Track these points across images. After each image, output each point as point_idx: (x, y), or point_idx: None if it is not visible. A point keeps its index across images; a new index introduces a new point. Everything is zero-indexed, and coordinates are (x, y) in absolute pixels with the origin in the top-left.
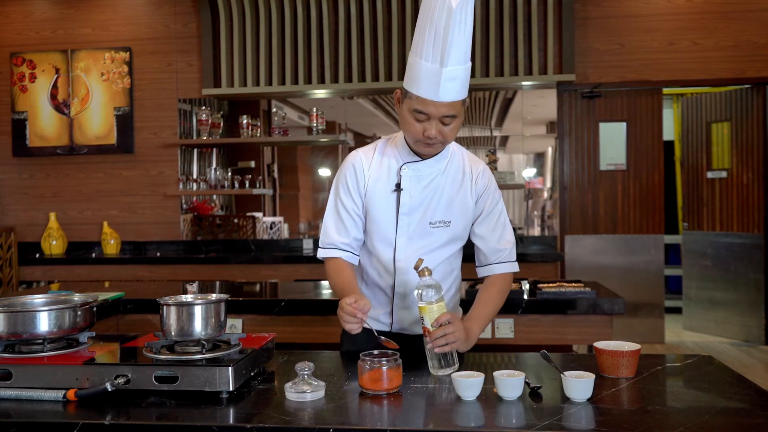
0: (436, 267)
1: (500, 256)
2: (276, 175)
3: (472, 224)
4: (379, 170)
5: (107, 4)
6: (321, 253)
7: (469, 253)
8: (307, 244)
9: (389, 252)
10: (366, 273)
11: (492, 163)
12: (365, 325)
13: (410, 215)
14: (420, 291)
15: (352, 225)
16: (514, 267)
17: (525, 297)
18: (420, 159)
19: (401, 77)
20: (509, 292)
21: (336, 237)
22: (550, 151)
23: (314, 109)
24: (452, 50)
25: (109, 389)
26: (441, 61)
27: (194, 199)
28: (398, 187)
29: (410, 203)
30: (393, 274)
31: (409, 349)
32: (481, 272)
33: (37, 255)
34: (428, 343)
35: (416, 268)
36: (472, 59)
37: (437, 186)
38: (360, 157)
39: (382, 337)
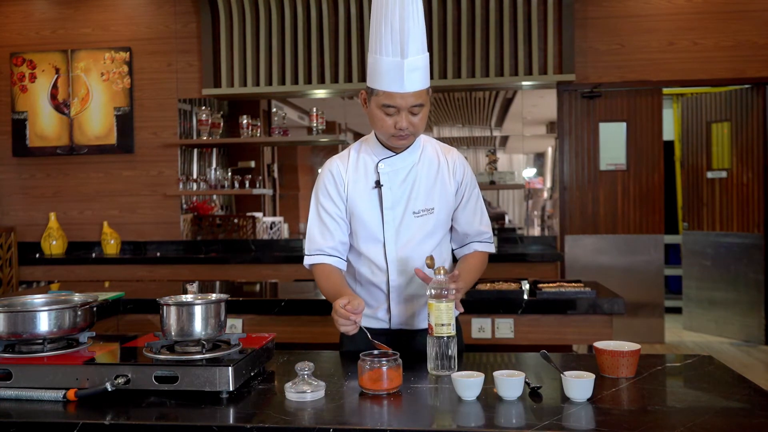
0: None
1: (481, 238)
2: (276, 175)
3: (454, 211)
4: (357, 172)
5: (107, 4)
6: (308, 261)
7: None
8: None
9: (379, 248)
10: (359, 273)
11: (492, 163)
12: (361, 325)
13: (394, 209)
14: (432, 289)
15: (336, 228)
16: (492, 248)
17: (525, 297)
18: (394, 154)
19: None
20: (508, 292)
21: (321, 242)
22: (550, 151)
23: (314, 109)
24: (410, 41)
25: (109, 389)
26: (401, 53)
27: (194, 199)
28: (378, 184)
29: (392, 197)
30: (385, 269)
31: (409, 345)
32: (461, 252)
33: (37, 255)
34: (431, 341)
35: (430, 266)
36: (473, 59)
37: (415, 176)
38: (336, 163)
39: (376, 341)
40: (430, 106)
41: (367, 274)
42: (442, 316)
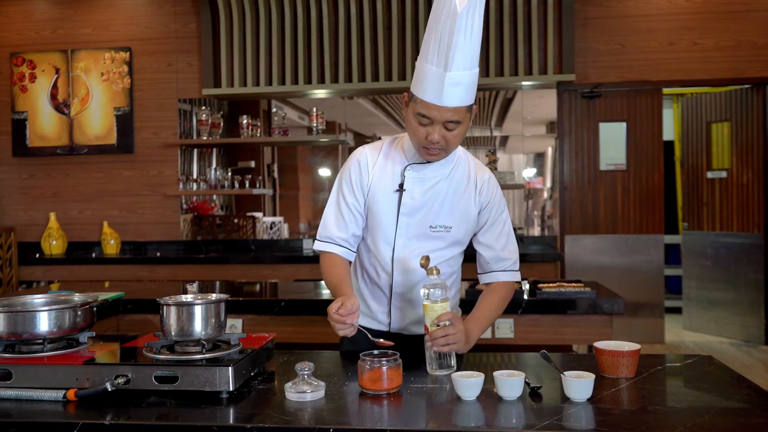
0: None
1: (504, 265)
2: (276, 175)
3: (477, 233)
4: (384, 169)
5: (107, 4)
6: (317, 246)
7: (469, 253)
8: (307, 244)
9: (388, 250)
10: (365, 271)
11: (492, 163)
12: (359, 327)
13: (410, 216)
14: (426, 290)
15: (351, 220)
16: (517, 276)
17: (525, 297)
18: (425, 162)
19: (401, 77)
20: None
21: (335, 231)
22: (550, 151)
23: (314, 109)
24: (456, 55)
25: (109, 389)
26: (445, 66)
27: (194, 199)
28: (401, 188)
29: (411, 204)
30: (391, 273)
31: (409, 349)
32: (484, 279)
33: (37, 255)
34: (428, 341)
35: (424, 266)
36: None
37: (439, 190)
38: (366, 154)
39: (377, 339)
40: (470, 124)
41: (373, 274)
42: (436, 317)
